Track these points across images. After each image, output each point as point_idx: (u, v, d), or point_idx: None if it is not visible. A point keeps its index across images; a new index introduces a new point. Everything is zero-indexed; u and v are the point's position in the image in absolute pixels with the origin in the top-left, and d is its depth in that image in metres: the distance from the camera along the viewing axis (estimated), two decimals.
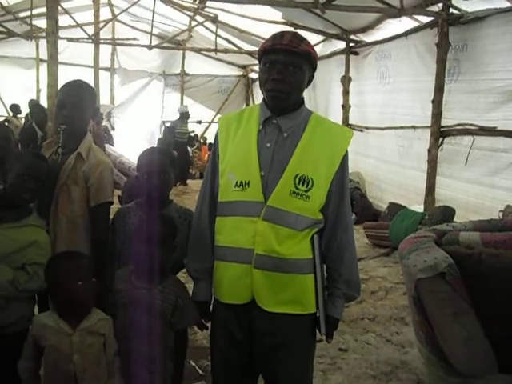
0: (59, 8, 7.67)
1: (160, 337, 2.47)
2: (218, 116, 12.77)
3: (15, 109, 12.47)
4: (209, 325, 2.53)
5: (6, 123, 9.64)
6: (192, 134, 16.12)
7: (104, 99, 15.36)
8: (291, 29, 9.00)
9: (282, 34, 2.28)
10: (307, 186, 2.22)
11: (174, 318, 2.46)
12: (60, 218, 2.75)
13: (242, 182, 2.26)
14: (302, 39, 2.27)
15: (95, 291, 2.36)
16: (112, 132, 15.16)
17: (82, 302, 2.33)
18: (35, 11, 11.30)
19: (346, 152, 2.32)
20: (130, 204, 2.84)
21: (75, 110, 2.77)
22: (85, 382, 2.29)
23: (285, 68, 2.21)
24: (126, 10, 13.15)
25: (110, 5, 14.60)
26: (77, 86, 2.87)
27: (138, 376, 2.44)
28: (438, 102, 7.70)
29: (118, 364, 2.41)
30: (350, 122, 10.36)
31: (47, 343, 2.28)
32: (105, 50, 15.30)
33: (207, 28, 13.88)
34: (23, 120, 12.14)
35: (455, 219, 6.45)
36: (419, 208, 7.74)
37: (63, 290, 2.29)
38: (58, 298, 2.34)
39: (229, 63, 17.13)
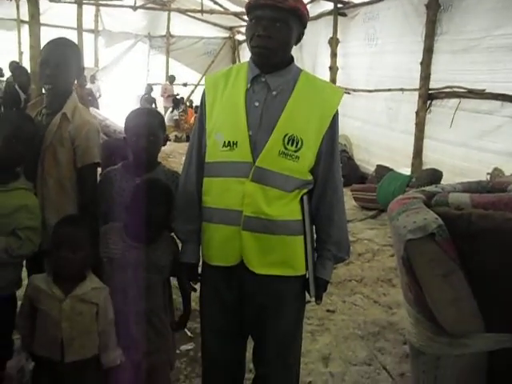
0: None
1: (160, 291, 2.52)
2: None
3: None
4: (197, 287, 2.53)
5: None
6: (178, 97, 16.02)
7: (88, 62, 15.10)
8: None
9: None
10: (296, 146, 2.18)
11: (174, 272, 2.53)
12: (47, 180, 2.71)
13: (229, 142, 2.21)
14: None
15: (92, 259, 2.36)
16: (97, 95, 15.00)
17: (79, 270, 2.32)
18: None
19: (337, 111, 2.27)
20: (116, 166, 2.80)
21: (59, 69, 2.69)
22: (71, 349, 2.27)
23: (271, 24, 2.14)
24: None
25: None
26: (60, 44, 2.78)
27: (133, 333, 2.46)
28: (426, 65, 7.66)
29: (113, 338, 2.40)
30: (337, 84, 10.27)
31: (40, 306, 2.28)
32: (88, 11, 14.98)
33: None
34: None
35: (443, 182, 6.47)
36: (406, 171, 7.76)
37: (62, 256, 2.27)
38: (56, 262, 2.31)
39: (215, 25, 16.93)
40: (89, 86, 14.40)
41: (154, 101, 15.62)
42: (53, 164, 2.71)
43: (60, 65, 2.69)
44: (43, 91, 2.84)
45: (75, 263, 2.29)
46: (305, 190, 2.28)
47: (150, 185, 2.47)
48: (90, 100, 12.58)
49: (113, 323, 2.39)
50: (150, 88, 15.99)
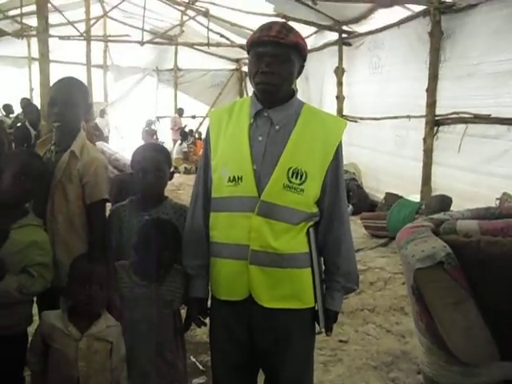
0: (49, 6, 7.61)
1: (170, 324, 2.53)
2: None
3: (8, 109, 12.41)
4: (207, 321, 2.52)
5: None
6: (186, 130, 16.16)
7: (97, 97, 15.32)
8: (283, 21, 8.97)
9: (269, 26, 2.22)
10: (301, 179, 2.19)
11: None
12: (56, 217, 2.73)
13: (234, 177, 2.23)
14: (290, 29, 2.21)
15: (109, 297, 2.37)
16: (106, 130, 15.17)
17: (97, 307, 2.32)
18: (25, 9, 11.23)
19: (340, 142, 2.28)
20: (124, 202, 2.82)
21: (67, 107, 2.74)
22: None
23: (273, 60, 2.17)
24: (116, 6, 13.09)
25: (101, 1, 14.54)
26: (67, 83, 2.84)
27: (144, 368, 2.46)
28: (432, 91, 7.70)
29: (125, 373, 2.40)
30: (344, 113, 10.34)
31: (53, 344, 2.27)
32: (97, 47, 15.23)
33: (199, 22, 13.83)
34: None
35: (452, 208, 6.45)
36: (416, 198, 7.73)
37: (82, 292, 2.26)
38: (75, 299, 2.31)
39: (222, 57, 17.11)
40: (98, 120, 14.59)
41: (155, 133, 15.72)
42: (62, 201, 2.74)
43: (67, 103, 2.74)
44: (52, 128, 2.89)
45: (100, 300, 2.30)
46: (311, 223, 2.28)
47: (157, 225, 2.49)
48: (98, 135, 12.70)
49: (124, 359, 2.39)
50: (150, 121, 16.13)
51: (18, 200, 2.58)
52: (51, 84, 3.00)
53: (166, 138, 16.09)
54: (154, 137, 15.49)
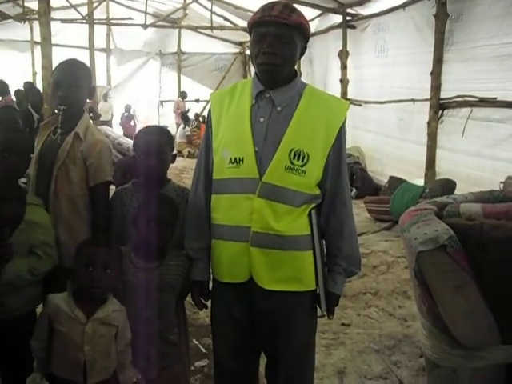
0: None
1: (173, 309, 2.53)
2: None
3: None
4: (209, 303, 2.52)
5: None
6: (191, 113, 16.11)
7: (100, 80, 15.27)
8: (285, 1, 8.91)
9: (271, 5, 2.19)
10: (303, 161, 2.18)
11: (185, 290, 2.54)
12: (60, 198, 2.73)
13: (236, 159, 2.22)
14: (293, 10, 2.19)
15: (116, 281, 2.36)
16: (110, 113, 15.10)
17: (102, 290, 2.30)
18: None
19: (343, 124, 2.26)
20: (126, 185, 2.82)
21: (71, 90, 2.73)
22: (94, 372, 2.26)
23: (275, 40, 2.14)
24: None
25: None
26: (71, 65, 2.83)
27: (148, 352, 2.46)
28: (436, 74, 7.64)
29: (130, 357, 2.40)
30: (348, 97, 10.27)
31: (59, 328, 2.25)
32: (100, 31, 15.18)
33: (202, 5, 13.73)
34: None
35: (456, 192, 6.43)
36: (420, 181, 7.72)
37: (88, 274, 2.25)
38: (80, 282, 2.29)
39: (225, 40, 17.02)
40: (101, 104, 14.52)
41: (132, 118, 15.58)
42: (65, 183, 2.73)
43: (71, 86, 2.73)
44: (55, 111, 2.88)
45: (107, 283, 2.28)
46: (313, 205, 2.27)
47: (156, 200, 2.48)
48: (91, 116, 12.52)
49: (129, 343, 2.39)
50: (129, 106, 15.89)
51: (6, 177, 2.57)
52: (54, 67, 2.99)
53: (169, 121, 16.02)
54: (132, 122, 15.42)
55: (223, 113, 2.33)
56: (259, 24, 2.18)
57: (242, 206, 2.21)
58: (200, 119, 16.46)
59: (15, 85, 10.96)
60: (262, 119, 2.23)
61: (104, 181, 2.79)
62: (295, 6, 2.28)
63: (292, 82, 2.28)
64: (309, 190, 2.23)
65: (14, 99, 9.81)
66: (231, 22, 14.08)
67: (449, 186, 6.84)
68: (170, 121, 16.19)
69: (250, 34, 2.25)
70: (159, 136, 2.73)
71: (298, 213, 2.22)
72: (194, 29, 15.26)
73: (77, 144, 2.74)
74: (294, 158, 2.17)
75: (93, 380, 2.26)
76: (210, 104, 2.44)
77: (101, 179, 2.77)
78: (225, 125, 2.31)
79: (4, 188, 2.48)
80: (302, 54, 2.29)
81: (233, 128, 2.28)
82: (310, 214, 2.26)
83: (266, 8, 2.19)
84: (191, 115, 16.17)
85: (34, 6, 11.90)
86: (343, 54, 10.45)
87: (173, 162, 2.78)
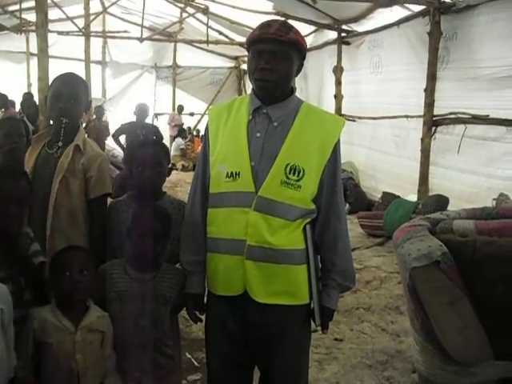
0: (49, 1, 7.60)
1: (167, 321, 2.52)
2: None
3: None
4: (203, 317, 2.52)
5: None
6: (184, 127, 16.12)
7: (96, 93, 15.26)
8: (283, 19, 8.98)
9: (269, 23, 2.26)
10: (298, 176, 2.21)
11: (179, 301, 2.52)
12: (59, 211, 2.73)
13: (232, 173, 2.24)
14: (290, 28, 2.24)
15: (94, 284, 2.36)
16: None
17: (84, 293, 2.31)
18: (24, 5, 11.19)
19: (338, 140, 2.30)
20: (121, 197, 2.82)
21: (71, 102, 2.76)
22: (87, 379, 2.27)
23: (272, 57, 2.19)
24: (116, 2, 13.04)
25: None
26: (71, 78, 2.87)
27: (142, 363, 2.45)
28: (430, 91, 7.69)
29: (114, 363, 2.40)
30: (342, 112, 10.32)
31: (48, 340, 2.24)
32: (96, 43, 15.17)
33: (198, 19, 13.78)
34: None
35: (449, 208, 6.46)
36: (413, 197, 7.74)
37: (66, 279, 2.25)
38: (60, 289, 2.29)
39: (220, 55, 17.05)
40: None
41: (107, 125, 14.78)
42: (66, 195, 2.74)
43: (71, 98, 2.76)
44: (51, 123, 2.89)
45: (86, 284, 2.28)
46: (308, 219, 2.29)
47: (149, 211, 2.49)
48: (107, 134, 12.19)
49: (112, 348, 2.39)
50: (101, 109, 14.15)
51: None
52: (50, 79, 3.01)
53: (164, 134, 16.01)
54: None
55: (220, 128, 2.36)
56: (257, 41, 2.23)
57: (237, 219, 2.23)
58: (194, 133, 16.49)
59: (10, 96, 10.99)
60: (258, 134, 2.26)
61: (103, 193, 2.81)
62: (291, 21, 2.32)
63: (289, 98, 2.32)
64: (304, 204, 2.25)
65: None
66: (227, 36, 14.15)
67: (441, 201, 6.87)
68: (164, 134, 16.18)
69: (248, 51, 2.29)
70: (156, 148, 2.75)
71: (292, 227, 2.24)
72: (190, 43, 15.32)
73: (77, 156, 2.76)
74: (289, 173, 2.20)
75: None
76: (208, 119, 2.46)
77: (101, 192, 2.80)
78: (222, 139, 2.33)
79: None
80: (299, 71, 2.33)
81: (230, 143, 2.31)
82: (304, 229, 2.28)
83: (263, 26, 2.25)
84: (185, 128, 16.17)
85: (31, 17, 12.00)
86: (338, 70, 10.51)
87: (169, 175, 2.80)
